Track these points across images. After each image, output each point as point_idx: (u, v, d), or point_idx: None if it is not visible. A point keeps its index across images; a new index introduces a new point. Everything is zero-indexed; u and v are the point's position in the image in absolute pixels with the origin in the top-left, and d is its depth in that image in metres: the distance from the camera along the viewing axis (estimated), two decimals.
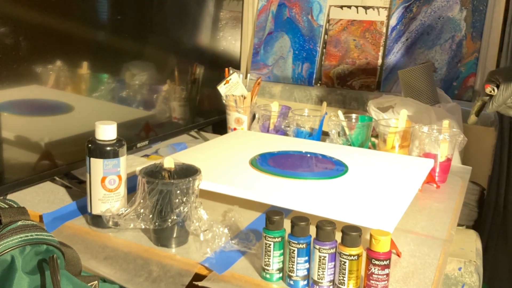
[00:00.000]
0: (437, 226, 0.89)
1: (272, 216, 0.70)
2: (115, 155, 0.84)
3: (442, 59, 1.59)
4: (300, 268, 0.69)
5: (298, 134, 1.29)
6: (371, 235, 0.66)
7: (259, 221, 0.89)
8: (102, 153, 0.83)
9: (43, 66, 0.98)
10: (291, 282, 0.70)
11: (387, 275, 0.66)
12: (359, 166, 1.03)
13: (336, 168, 1.02)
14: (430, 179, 1.07)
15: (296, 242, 0.69)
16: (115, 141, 0.84)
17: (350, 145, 1.23)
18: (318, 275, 0.68)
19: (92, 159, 0.83)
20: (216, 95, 1.41)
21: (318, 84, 1.76)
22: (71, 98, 1.06)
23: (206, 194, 0.94)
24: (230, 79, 1.38)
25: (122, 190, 0.86)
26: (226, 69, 1.42)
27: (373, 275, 0.65)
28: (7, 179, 0.93)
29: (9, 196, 0.96)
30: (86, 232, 0.86)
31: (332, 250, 0.67)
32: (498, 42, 1.56)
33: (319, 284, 0.68)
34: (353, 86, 1.69)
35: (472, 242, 0.87)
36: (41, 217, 0.90)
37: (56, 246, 0.64)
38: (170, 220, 0.78)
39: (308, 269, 0.70)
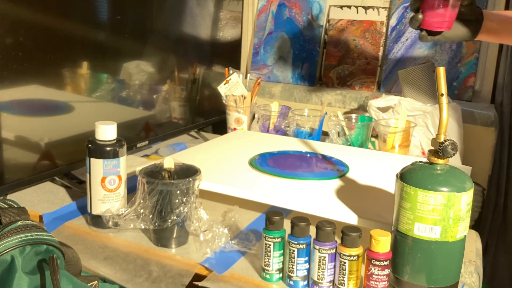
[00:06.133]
0: None
1: (272, 216, 0.70)
2: (115, 155, 0.84)
3: (442, 59, 1.59)
4: (300, 268, 0.69)
5: (298, 134, 1.29)
6: (371, 236, 0.66)
7: (259, 221, 0.89)
8: (102, 153, 0.83)
9: (43, 66, 0.98)
10: (291, 283, 0.70)
11: (387, 275, 0.66)
12: (359, 166, 1.03)
13: (337, 168, 1.02)
14: None
15: (296, 242, 0.69)
16: (115, 141, 0.84)
17: (350, 145, 1.23)
18: (318, 275, 0.68)
19: (92, 159, 0.83)
20: (216, 95, 1.41)
21: (318, 84, 1.76)
22: (71, 98, 1.06)
23: (206, 194, 0.94)
24: (230, 79, 1.38)
25: (122, 190, 0.86)
26: (226, 69, 1.42)
27: (373, 276, 0.65)
28: (7, 179, 0.93)
29: (9, 196, 0.96)
30: (86, 232, 0.86)
31: (332, 251, 0.67)
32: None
33: (319, 284, 0.68)
34: (353, 86, 1.69)
35: (472, 242, 0.87)
36: (41, 217, 0.90)
37: (56, 246, 0.64)
38: (170, 220, 0.78)
39: (308, 270, 0.70)
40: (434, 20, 0.93)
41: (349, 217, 0.79)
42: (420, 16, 0.94)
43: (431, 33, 0.97)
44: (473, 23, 0.97)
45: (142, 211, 0.80)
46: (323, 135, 1.32)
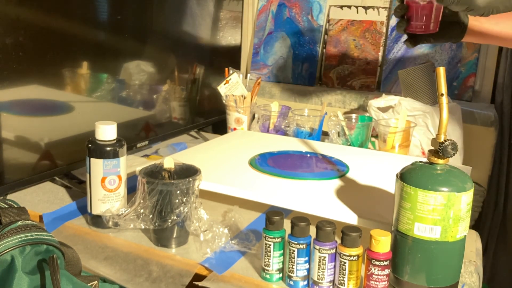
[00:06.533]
0: None
1: (272, 216, 0.70)
2: (115, 155, 0.84)
3: (442, 59, 1.59)
4: (300, 268, 0.69)
5: (298, 134, 1.29)
6: (371, 236, 0.66)
7: (259, 221, 0.89)
8: (102, 153, 0.83)
9: (43, 66, 0.98)
10: (291, 283, 0.70)
11: (387, 275, 0.66)
12: (359, 166, 1.03)
13: (337, 168, 1.02)
14: None
15: (296, 242, 0.69)
16: (115, 141, 0.84)
17: (350, 145, 1.23)
18: (318, 275, 0.68)
19: (92, 159, 0.83)
20: (216, 95, 1.41)
21: (318, 84, 1.76)
22: (71, 98, 1.06)
23: (206, 194, 0.94)
24: (230, 79, 1.38)
25: (122, 190, 0.86)
26: (226, 69, 1.42)
27: (373, 276, 0.65)
28: (7, 179, 0.93)
29: (9, 196, 0.96)
30: (86, 232, 0.86)
31: (332, 251, 0.67)
32: None
33: (319, 284, 0.68)
34: (353, 86, 1.69)
35: (472, 242, 0.87)
36: (41, 217, 0.90)
37: (56, 246, 0.64)
38: (170, 220, 0.78)
39: (308, 270, 0.70)
40: (420, 24, 0.94)
41: (349, 217, 0.79)
42: (405, 21, 0.94)
43: (417, 36, 0.98)
44: (459, 24, 0.98)
45: (142, 211, 0.80)
46: (323, 135, 1.32)
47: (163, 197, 0.77)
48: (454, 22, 0.98)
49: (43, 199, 0.99)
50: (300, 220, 0.69)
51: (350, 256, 0.66)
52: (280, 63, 1.80)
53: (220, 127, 1.58)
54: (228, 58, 1.63)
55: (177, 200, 0.78)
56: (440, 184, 0.64)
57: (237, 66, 1.65)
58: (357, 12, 1.71)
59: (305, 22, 1.77)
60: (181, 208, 0.78)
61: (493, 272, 1.59)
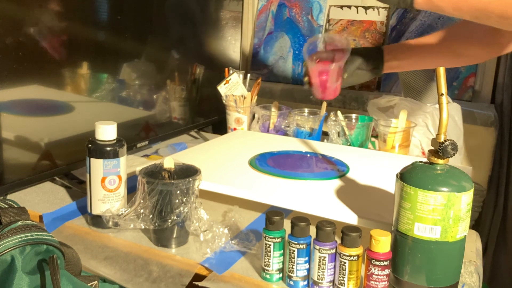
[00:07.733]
0: None
1: (272, 216, 0.70)
2: (115, 155, 0.84)
3: None
4: (300, 268, 0.69)
5: (298, 134, 1.29)
6: (371, 236, 0.66)
7: (259, 221, 0.89)
8: (102, 153, 0.83)
9: (43, 66, 0.98)
10: (291, 283, 0.70)
11: (387, 275, 0.66)
12: (359, 166, 1.03)
13: (337, 168, 1.02)
14: None
15: (296, 242, 0.69)
16: (115, 141, 0.84)
17: (350, 145, 1.23)
18: (318, 275, 0.68)
19: (92, 159, 0.83)
20: (216, 95, 1.41)
21: None
22: (71, 98, 1.06)
23: (206, 194, 0.94)
24: (230, 79, 1.38)
25: (122, 190, 0.86)
26: (226, 69, 1.42)
27: (373, 276, 0.65)
28: (7, 179, 0.93)
29: (9, 196, 0.96)
30: (86, 232, 0.86)
31: (332, 251, 0.67)
32: None
33: (319, 284, 0.68)
34: (353, 86, 1.69)
35: (472, 242, 0.87)
36: (41, 217, 0.90)
37: (56, 246, 0.64)
38: (170, 220, 0.78)
39: (308, 270, 0.70)
40: (317, 92, 1.11)
41: (349, 217, 0.79)
42: (306, 86, 1.12)
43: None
44: (373, 69, 1.09)
45: (142, 211, 0.80)
46: (323, 135, 1.32)
47: (163, 197, 0.77)
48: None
49: (43, 199, 0.99)
50: (300, 220, 0.69)
51: (350, 256, 0.66)
52: (280, 63, 1.81)
53: (220, 127, 1.58)
54: (228, 58, 1.63)
55: (177, 200, 0.78)
56: (440, 184, 0.64)
57: (237, 66, 1.65)
58: (357, 12, 1.72)
59: (305, 22, 1.77)
60: (181, 208, 0.78)
61: (493, 272, 1.59)
